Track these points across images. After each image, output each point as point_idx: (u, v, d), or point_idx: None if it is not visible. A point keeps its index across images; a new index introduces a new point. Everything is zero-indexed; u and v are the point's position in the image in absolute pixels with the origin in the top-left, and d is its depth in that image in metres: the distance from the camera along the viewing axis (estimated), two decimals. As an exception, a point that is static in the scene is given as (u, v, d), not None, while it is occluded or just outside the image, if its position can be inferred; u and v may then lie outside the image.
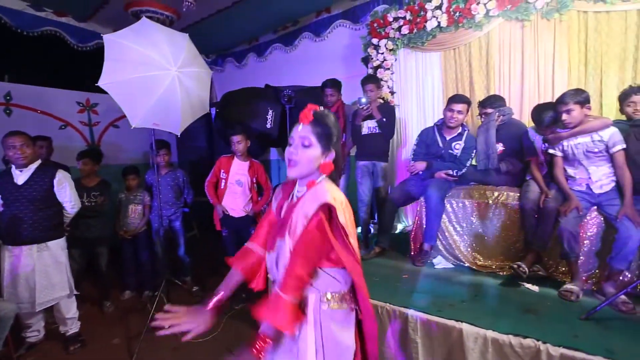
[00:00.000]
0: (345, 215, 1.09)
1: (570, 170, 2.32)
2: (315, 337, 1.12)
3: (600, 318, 1.85)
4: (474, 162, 2.86)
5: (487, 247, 2.61)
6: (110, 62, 2.29)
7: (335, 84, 3.28)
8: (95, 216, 3.11)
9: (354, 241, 1.12)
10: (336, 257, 1.11)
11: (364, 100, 2.94)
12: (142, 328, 2.60)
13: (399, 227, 3.75)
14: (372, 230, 3.43)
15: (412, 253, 2.87)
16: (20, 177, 2.45)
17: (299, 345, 1.12)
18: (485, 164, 2.73)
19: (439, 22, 3.34)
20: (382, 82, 3.78)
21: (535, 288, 2.24)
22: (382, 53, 3.75)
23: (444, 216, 2.76)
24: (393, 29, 3.63)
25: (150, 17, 4.00)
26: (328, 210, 1.08)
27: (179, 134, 2.67)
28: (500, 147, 2.75)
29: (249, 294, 3.09)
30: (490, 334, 1.74)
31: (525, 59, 3.08)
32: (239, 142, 2.94)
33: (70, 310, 2.67)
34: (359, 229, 3.24)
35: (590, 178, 2.24)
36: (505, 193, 2.57)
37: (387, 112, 3.06)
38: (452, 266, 2.69)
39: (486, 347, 1.75)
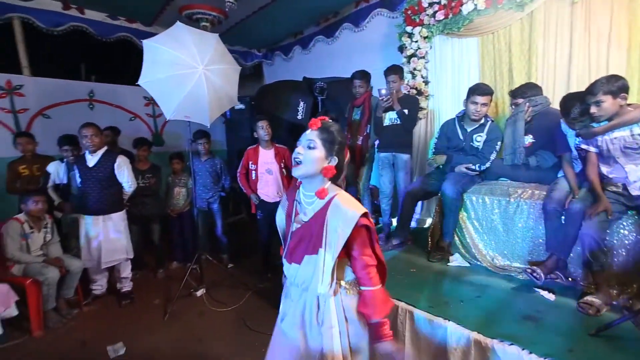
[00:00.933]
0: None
1: (605, 169, 2.05)
2: (339, 322, 1.24)
3: (616, 336, 1.65)
4: (501, 156, 2.67)
5: (508, 247, 2.44)
6: (147, 64, 2.64)
7: (364, 76, 3.27)
8: (148, 195, 3.62)
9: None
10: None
11: (383, 91, 2.91)
12: (178, 295, 3.02)
13: (429, 221, 3.64)
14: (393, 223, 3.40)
15: (429, 249, 2.81)
16: (91, 160, 2.98)
17: (323, 331, 1.24)
18: (511, 159, 2.53)
19: (475, 5, 3.09)
20: (415, 72, 3.67)
21: (551, 296, 2.05)
22: (416, 41, 3.61)
23: (462, 213, 2.63)
24: (428, 15, 3.46)
25: (200, 18, 4.44)
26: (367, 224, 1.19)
27: (208, 125, 2.96)
28: (529, 139, 2.52)
29: (274, 274, 3.38)
30: (474, 335, 1.69)
31: (574, 41, 2.72)
32: (263, 128, 3.13)
33: (126, 270, 3.19)
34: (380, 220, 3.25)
35: (627, 178, 1.96)
36: (530, 190, 2.36)
37: (409, 103, 2.98)
38: (468, 265, 2.57)
39: (469, 349, 1.70)
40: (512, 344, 1.58)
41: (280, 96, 3.98)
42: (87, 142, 2.92)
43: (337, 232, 1.16)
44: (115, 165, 3.02)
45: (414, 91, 3.65)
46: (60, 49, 4.89)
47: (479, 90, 2.55)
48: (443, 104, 3.59)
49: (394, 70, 2.97)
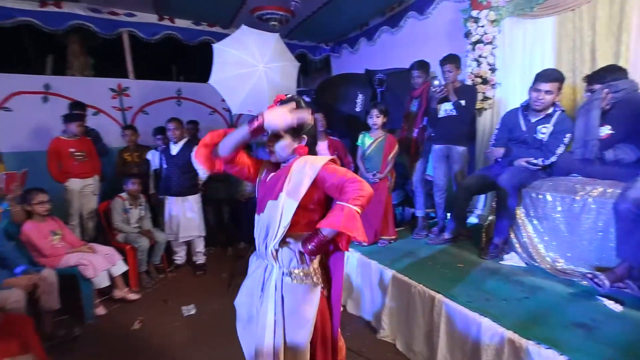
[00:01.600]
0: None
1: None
2: (275, 310, 1.24)
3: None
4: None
5: (572, 250, 2.22)
6: (216, 65, 3.00)
7: (421, 66, 3.21)
8: (220, 180, 4.09)
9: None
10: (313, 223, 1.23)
11: (436, 82, 2.82)
12: (242, 271, 3.41)
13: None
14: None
15: (482, 245, 2.69)
16: (174, 149, 3.51)
17: (260, 317, 1.27)
18: (582, 153, 2.27)
19: (552, -20, 2.79)
20: (480, 59, 3.45)
21: (617, 307, 1.84)
22: (482, 26, 3.37)
23: (521, 210, 2.46)
24: (497, -4, 3.22)
25: (269, 18, 4.75)
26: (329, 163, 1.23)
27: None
28: (607, 130, 2.22)
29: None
30: (509, 334, 1.63)
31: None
32: (318, 121, 3.29)
33: (199, 246, 3.69)
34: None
35: None
36: (601, 188, 2.10)
37: (466, 93, 2.83)
38: (524, 265, 2.40)
39: (502, 347, 1.64)
40: (549, 348, 1.50)
41: (339, 89, 4.09)
42: (171, 134, 3.45)
43: (302, 172, 1.20)
44: (192, 155, 3.48)
45: (479, 80, 3.44)
46: (156, 55, 5.71)
47: (543, 76, 2.33)
48: (511, 93, 3.32)
49: (450, 60, 2.85)
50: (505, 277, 2.25)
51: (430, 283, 2.15)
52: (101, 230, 3.61)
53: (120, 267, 2.97)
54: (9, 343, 1.81)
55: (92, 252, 2.82)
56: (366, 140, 3.05)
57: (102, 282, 2.81)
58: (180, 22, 5.04)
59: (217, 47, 3.00)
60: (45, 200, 2.75)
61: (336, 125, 4.12)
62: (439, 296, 2.01)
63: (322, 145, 3.41)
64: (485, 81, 3.44)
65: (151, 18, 4.78)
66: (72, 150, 3.44)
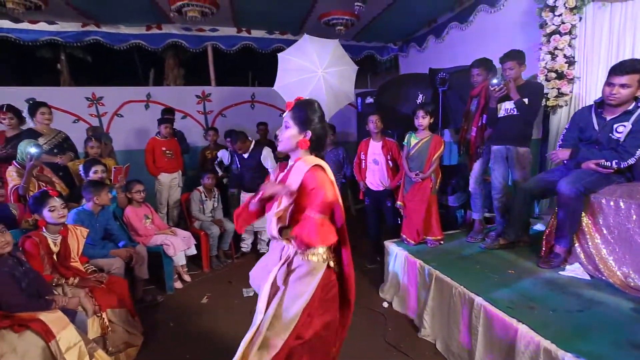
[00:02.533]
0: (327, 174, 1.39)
1: None
2: (277, 278, 1.38)
3: None
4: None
5: (649, 265, 1.96)
6: (280, 72, 3.29)
7: (481, 64, 3.08)
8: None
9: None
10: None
11: (494, 80, 2.67)
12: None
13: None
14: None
15: (542, 253, 2.49)
16: (246, 153, 3.92)
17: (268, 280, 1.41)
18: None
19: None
20: (556, 51, 3.15)
21: (696, 332, 1.59)
22: (560, 15, 3.07)
23: (588, 217, 2.23)
24: (577, -20, 2.91)
25: (335, 23, 4.95)
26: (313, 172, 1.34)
27: (327, 120, 3.42)
28: None
29: (382, 257, 3.62)
30: (545, 343, 1.54)
31: None
32: (372, 122, 3.37)
33: (265, 235, 4.06)
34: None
35: None
36: (688, 196, 1.82)
37: (530, 91, 2.63)
38: (589, 278, 2.17)
39: (537, 356, 1.57)
40: (590, 363, 1.39)
41: (400, 89, 4.09)
42: (237, 147, 3.83)
43: (295, 175, 1.36)
44: (262, 156, 3.86)
45: (553, 75, 3.14)
46: (234, 63, 6.36)
47: (618, 68, 2.07)
48: (592, 87, 2.97)
49: (511, 56, 2.67)
50: (560, 288, 2.08)
51: (472, 286, 2.10)
52: (182, 217, 4.22)
53: (193, 250, 3.47)
54: (111, 297, 2.32)
55: (173, 235, 3.35)
56: (412, 140, 3.05)
57: (180, 260, 3.33)
58: (256, 33, 5.55)
59: (281, 55, 3.31)
60: (141, 189, 3.36)
61: (396, 125, 4.14)
62: (478, 299, 1.97)
63: (376, 146, 3.48)
64: (560, 76, 3.13)
65: (231, 31, 5.38)
66: (163, 148, 4.09)
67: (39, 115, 3.24)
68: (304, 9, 4.69)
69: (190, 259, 3.61)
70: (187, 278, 3.47)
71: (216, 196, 4.00)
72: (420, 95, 3.94)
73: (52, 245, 2.29)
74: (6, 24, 4.47)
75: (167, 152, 4.13)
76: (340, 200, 1.43)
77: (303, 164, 1.38)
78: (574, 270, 2.25)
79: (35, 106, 3.26)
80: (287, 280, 1.38)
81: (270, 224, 1.41)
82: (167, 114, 4.46)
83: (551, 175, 2.51)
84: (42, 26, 4.58)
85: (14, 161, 2.89)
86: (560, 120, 3.20)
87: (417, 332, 2.48)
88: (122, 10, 4.43)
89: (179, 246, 3.27)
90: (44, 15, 4.39)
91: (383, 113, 3.66)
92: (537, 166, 3.48)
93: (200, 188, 3.89)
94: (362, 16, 4.90)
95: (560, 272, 2.26)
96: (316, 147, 1.45)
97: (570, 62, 3.09)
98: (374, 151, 3.49)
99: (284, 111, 1.44)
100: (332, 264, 1.44)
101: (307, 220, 1.29)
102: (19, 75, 6.15)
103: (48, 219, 2.27)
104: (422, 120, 2.94)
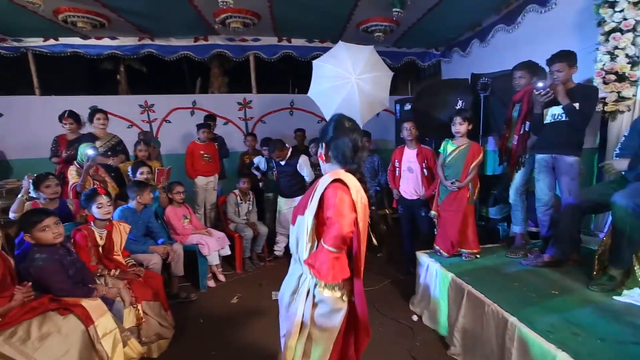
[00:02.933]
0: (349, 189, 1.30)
1: None
2: (305, 310, 1.32)
3: None
4: None
5: None
6: (315, 79, 3.33)
7: (526, 66, 2.88)
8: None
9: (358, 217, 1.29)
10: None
11: (540, 84, 2.47)
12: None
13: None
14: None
15: (594, 274, 2.24)
16: (283, 161, 4.01)
17: (289, 313, 1.38)
18: None
19: None
20: (617, 51, 2.86)
21: None
22: (621, 10, 2.79)
23: (651, 236, 1.97)
24: (643, -30, 2.63)
25: (374, 30, 4.92)
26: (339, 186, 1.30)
27: (361, 126, 3.38)
28: None
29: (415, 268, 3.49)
30: (588, 375, 1.37)
31: None
32: (407, 129, 3.28)
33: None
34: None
35: None
36: None
37: (582, 95, 2.39)
38: (650, 306, 1.91)
39: (577, 388, 1.40)
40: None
41: (439, 95, 3.94)
42: (274, 155, 3.90)
43: (317, 191, 1.32)
44: (298, 165, 3.91)
45: (612, 77, 2.85)
46: (275, 71, 6.55)
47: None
48: (659, 90, 2.65)
49: (560, 58, 2.45)
50: (614, 314, 1.85)
51: (507, 305, 1.94)
52: (220, 219, 4.39)
53: (226, 251, 3.59)
54: (147, 290, 2.46)
55: (209, 235, 3.49)
56: (448, 147, 2.91)
57: (214, 260, 3.45)
58: (296, 42, 5.69)
59: (315, 63, 3.35)
60: (181, 191, 3.56)
61: (433, 133, 3.99)
62: (513, 319, 1.81)
63: (411, 154, 3.38)
64: (621, 78, 2.83)
65: (272, 40, 5.56)
66: (201, 152, 4.31)
67: (95, 121, 3.57)
68: (342, 17, 4.72)
69: (224, 260, 3.72)
70: (221, 278, 3.59)
71: (251, 200, 4.12)
72: (460, 102, 3.76)
73: (98, 239, 2.49)
74: (77, 40, 5.02)
75: (205, 155, 4.34)
76: (360, 225, 1.32)
77: (326, 177, 1.35)
78: (632, 297, 1.99)
79: (92, 112, 3.61)
80: (312, 317, 1.33)
81: (300, 246, 1.37)
82: (208, 120, 4.69)
83: (605, 188, 2.26)
84: (105, 41, 5.07)
85: (74, 161, 3.22)
86: (620, 127, 2.89)
87: (446, 350, 2.33)
88: (173, 25, 4.78)
89: (213, 246, 3.39)
90: (107, 32, 4.86)
91: (419, 120, 3.55)
92: (592, 179, 3.16)
93: (236, 191, 4.03)
94: (402, 22, 4.84)
95: (615, 297, 2.01)
96: (342, 160, 1.39)
97: (634, 62, 2.79)
98: (409, 159, 3.39)
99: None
100: (345, 298, 1.36)
101: (322, 253, 1.26)
102: (85, 85, 6.88)
103: (96, 215, 2.48)
104: (460, 126, 2.81)
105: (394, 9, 4.19)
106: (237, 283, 3.58)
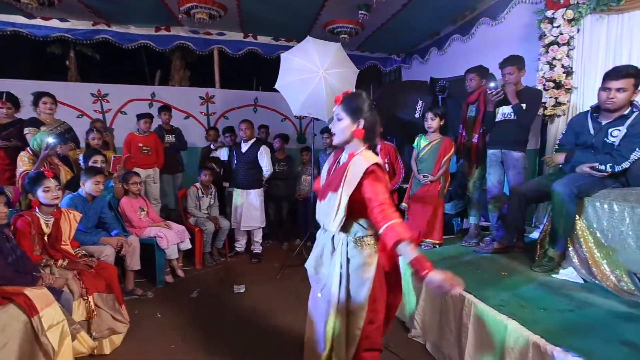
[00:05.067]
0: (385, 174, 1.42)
1: None
2: (341, 268, 1.42)
3: None
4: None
5: (642, 269, 1.93)
6: (282, 71, 3.34)
7: (476, 69, 3.14)
8: (282, 179, 4.44)
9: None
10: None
11: (492, 84, 2.71)
12: (292, 264, 3.65)
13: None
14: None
15: (536, 257, 2.46)
16: (244, 147, 3.95)
17: (326, 273, 1.47)
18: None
19: (641, -29, 2.51)
20: (554, 61, 3.20)
21: (689, 334, 1.56)
22: (558, 26, 3.14)
23: (582, 221, 2.21)
24: (576, -7, 2.98)
25: (340, 31, 5.05)
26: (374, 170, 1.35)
27: (326, 120, 3.45)
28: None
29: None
30: (535, 338, 1.51)
31: None
32: None
33: (258, 236, 4.04)
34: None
35: None
36: (681, 198, 1.81)
37: (528, 97, 2.65)
38: (582, 282, 2.14)
39: (526, 351, 1.53)
40: (578, 356, 1.36)
41: (400, 95, 4.15)
42: (242, 133, 3.90)
43: (354, 172, 1.35)
44: (259, 152, 3.89)
45: (551, 84, 3.18)
46: (240, 67, 6.47)
47: (613, 73, 2.10)
48: (589, 97, 2.99)
49: (511, 61, 2.71)
50: (553, 289, 2.05)
51: (464, 285, 2.06)
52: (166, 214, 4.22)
53: (187, 244, 3.45)
54: (99, 281, 2.30)
55: (168, 228, 3.34)
56: (421, 142, 3.06)
57: (172, 254, 3.30)
58: (262, 39, 5.66)
59: (284, 55, 3.37)
60: (138, 181, 3.38)
61: (394, 130, 4.17)
62: (469, 296, 1.94)
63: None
64: (558, 85, 3.17)
65: (238, 36, 5.49)
66: (140, 144, 4.17)
67: (41, 105, 3.28)
68: (310, 16, 4.80)
69: (182, 255, 3.57)
70: (180, 273, 3.44)
71: (213, 193, 4.01)
72: (420, 102, 3.98)
73: (43, 226, 2.29)
74: (20, 19, 4.59)
75: (144, 148, 4.18)
76: None
77: (360, 160, 1.38)
78: (567, 274, 2.22)
79: (38, 96, 3.31)
80: (347, 271, 1.43)
81: (328, 219, 1.43)
82: (163, 110, 4.51)
83: (546, 179, 2.50)
84: (54, 23, 4.69)
85: (27, 147, 2.94)
86: (557, 129, 3.22)
87: (407, 333, 2.43)
88: (133, 11, 4.55)
89: (173, 239, 3.25)
90: (57, 12, 4.51)
91: (382, 118, 3.69)
92: (534, 175, 3.48)
93: (198, 184, 3.90)
94: (367, 26, 5.02)
95: (554, 275, 2.23)
96: (370, 136, 1.45)
97: (568, 72, 3.13)
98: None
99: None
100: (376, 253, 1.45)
101: (398, 225, 1.26)
102: (29, 69, 6.28)
103: (42, 200, 2.27)
104: (432, 122, 2.95)
105: (359, 11, 4.36)
106: (197, 278, 3.45)
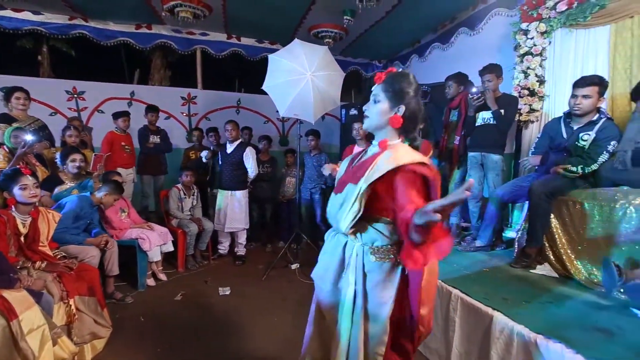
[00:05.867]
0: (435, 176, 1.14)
1: None
2: (356, 285, 1.20)
3: None
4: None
5: (611, 263, 2.07)
6: (269, 73, 3.35)
7: (456, 77, 3.31)
8: (266, 181, 4.43)
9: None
10: (390, 210, 1.17)
11: (474, 90, 2.85)
12: (277, 266, 3.65)
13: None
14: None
15: (515, 255, 2.59)
16: (229, 148, 3.91)
17: (342, 290, 1.24)
18: (623, 164, 2.15)
19: (608, -12, 2.72)
20: (529, 71, 3.39)
21: (653, 320, 1.70)
22: (532, 38, 3.33)
23: (556, 219, 2.36)
24: (547, 8, 3.18)
25: (324, 35, 5.12)
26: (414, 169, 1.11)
27: (312, 122, 3.48)
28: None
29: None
30: (519, 327, 1.60)
31: None
32: (356, 129, 3.46)
33: (242, 238, 4.00)
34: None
35: None
36: (644, 197, 1.98)
37: (507, 103, 2.82)
38: (557, 276, 2.28)
39: (511, 340, 1.62)
40: (558, 342, 1.45)
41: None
42: (228, 134, 3.87)
43: (384, 163, 1.13)
44: (244, 153, 3.86)
45: (525, 92, 3.37)
46: (222, 68, 6.41)
47: (581, 81, 2.29)
48: (560, 104, 3.19)
49: (489, 69, 2.87)
50: (532, 284, 2.17)
51: (449, 281, 2.16)
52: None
53: (169, 247, 3.37)
54: (80, 284, 2.21)
55: (150, 229, 3.25)
56: None
57: (155, 256, 3.22)
58: (246, 40, 5.64)
59: (271, 57, 3.39)
60: (120, 181, 3.27)
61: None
62: (455, 291, 2.02)
63: (359, 150, 3.56)
64: (532, 93, 3.36)
65: (221, 36, 5.45)
66: (122, 143, 4.09)
67: (13, 100, 3.12)
68: (295, 20, 4.84)
69: (165, 258, 3.49)
70: (162, 277, 3.35)
71: (195, 194, 3.94)
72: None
73: (20, 226, 2.18)
74: (-12, 10, 4.36)
75: (126, 147, 4.09)
76: None
77: (403, 154, 1.15)
78: (543, 269, 2.36)
79: (10, 90, 3.16)
80: (365, 288, 1.22)
81: (340, 214, 1.22)
82: (150, 111, 4.40)
83: (522, 180, 2.65)
84: (26, 15, 4.48)
85: (3, 145, 2.79)
86: (531, 134, 3.41)
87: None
88: (112, 7, 4.43)
89: (155, 241, 3.17)
90: (29, 4, 4.33)
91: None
92: (511, 177, 3.66)
93: (179, 185, 3.83)
94: (351, 31, 5.12)
95: (531, 271, 2.37)
96: (408, 127, 1.23)
97: (541, 80, 3.33)
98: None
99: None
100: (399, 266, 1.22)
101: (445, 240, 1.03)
102: (-4, 63, 5.94)
103: (18, 198, 2.17)
104: None
105: (344, 17, 4.45)
106: (180, 281, 3.37)
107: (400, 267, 1.21)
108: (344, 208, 1.21)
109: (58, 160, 3.04)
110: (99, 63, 6.14)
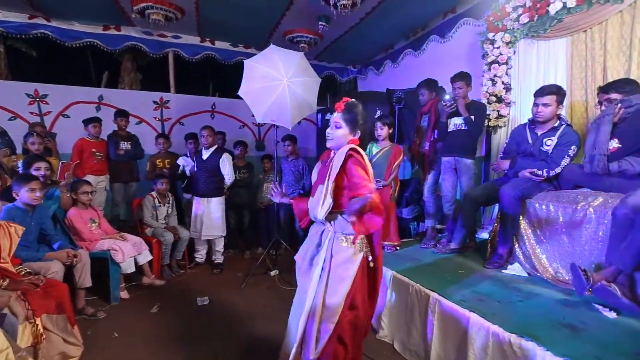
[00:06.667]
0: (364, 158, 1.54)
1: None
2: (324, 262, 1.54)
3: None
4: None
5: (573, 259, 2.20)
6: (245, 78, 3.32)
7: (427, 84, 3.44)
8: (242, 187, 4.37)
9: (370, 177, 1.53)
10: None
11: (447, 97, 2.97)
12: (257, 272, 3.61)
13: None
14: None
15: (487, 256, 2.71)
16: (205, 154, 3.83)
17: (313, 264, 1.59)
18: (588, 167, 2.30)
19: (564, 3, 2.90)
20: (495, 78, 3.56)
21: (611, 314, 1.82)
22: (498, 47, 3.51)
23: (525, 220, 2.49)
24: (511, 19, 3.36)
25: (299, 40, 5.13)
26: (352, 154, 1.52)
27: (289, 128, 3.47)
28: (615, 144, 2.24)
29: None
30: (494, 328, 1.68)
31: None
32: (379, 129, 3.47)
33: (219, 245, 3.92)
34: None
35: None
36: (602, 198, 2.12)
37: (476, 110, 2.95)
38: (527, 275, 2.41)
39: (487, 340, 1.69)
40: (530, 340, 1.53)
41: (359, 105, 4.31)
42: (204, 140, 3.80)
43: (336, 163, 1.50)
44: (221, 160, 3.80)
45: (493, 98, 3.54)
46: (196, 72, 6.27)
47: (540, 90, 2.46)
48: (525, 111, 3.37)
49: (460, 77, 3.00)
50: (504, 283, 2.28)
51: (428, 284, 2.22)
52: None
53: (145, 256, 3.25)
54: (48, 302, 2.09)
55: (123, 240, 3.13)
56: (373, 149, 3.22)
57: (129, 267, 3.09)
58: (220, 44, 5.57)
59: (247, 62, 3.36)
60: (89, 191, 3.13)
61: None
62: (433, 294, 2.08)
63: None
64: (499, 100, 3.53)
65: (194, 40, 5.34)
66: (93, 150, 3.96)
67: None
68: (270, 24, 4.83)
69: (138, 269, 3.35)
70: (159, 282, 3.31)
71: (170, 202, 3.83)
72: (378, 111, 4.18)
73: (-21, 243, 2.04)
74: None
75: (98, 153, 3.95)
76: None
77: (343, 148, 1.54)
78: (514, 269, 2.48)
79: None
80: (330, 265, 1.53)
81: (317, 208, 1.53)
82: (120, 116, 4.23)
83: (493, 184, 2.78)
84: (-20, 14, 4.21)
85: None
86: (500, 139, 3.58)
87: (375, 334, 2.52)
88: (77, 6, 4.24)
89: (129, 251, 3.06)
90: (-16, 2, 4.06)
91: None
92: (481, 180, 3.82)
93: (154, 193, 3.71)
94: (325, 36, 5.17)
95: (503, 271, 2.48)
96: (360, 145, 1.62)
97: (507, 88, 3.51)
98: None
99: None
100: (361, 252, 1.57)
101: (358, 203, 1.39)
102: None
103: (-21, 212, 2.03)
104: (381, 131, 3.13)
105: (319, 22, 4.49)
106: (156, 293, 3.25)
107: (361, 254, 1.55)
108: (319, 203, 1.53)
109: (20, 169, 2.87)
110: (64, 65, 5.84)
